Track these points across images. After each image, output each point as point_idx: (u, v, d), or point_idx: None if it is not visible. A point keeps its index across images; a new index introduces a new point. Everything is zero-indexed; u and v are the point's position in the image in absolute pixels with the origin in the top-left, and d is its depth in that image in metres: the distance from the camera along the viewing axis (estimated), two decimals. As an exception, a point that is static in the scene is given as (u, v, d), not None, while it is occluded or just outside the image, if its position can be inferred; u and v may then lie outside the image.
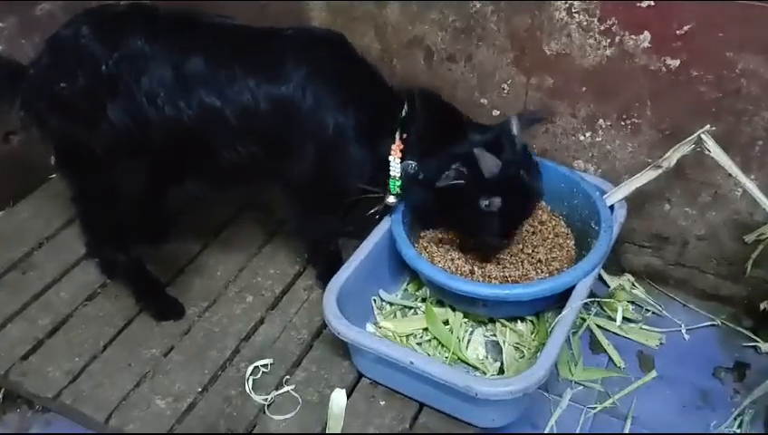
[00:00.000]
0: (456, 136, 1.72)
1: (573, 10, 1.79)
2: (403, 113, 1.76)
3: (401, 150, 1.75)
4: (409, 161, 1.73)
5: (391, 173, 1.77)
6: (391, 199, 1.84)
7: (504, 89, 2.03)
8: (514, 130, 1.71)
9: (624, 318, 2.02)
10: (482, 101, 2.09)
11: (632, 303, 2.09)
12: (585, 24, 1.80)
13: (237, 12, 2.23)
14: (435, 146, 1.72)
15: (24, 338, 1.95)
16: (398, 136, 1.75)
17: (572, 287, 1.71)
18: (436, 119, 1.76)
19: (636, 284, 2.13)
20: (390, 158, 1.76)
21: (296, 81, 1.67)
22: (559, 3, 1.80)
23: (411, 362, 1.54)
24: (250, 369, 1.83)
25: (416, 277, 2.02)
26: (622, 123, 1.92)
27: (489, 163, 1.60)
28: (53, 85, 1.66)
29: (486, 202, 1.67)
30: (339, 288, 1.74)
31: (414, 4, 2.01)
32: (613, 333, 2.01)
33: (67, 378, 1.84)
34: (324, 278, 1.99)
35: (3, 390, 1.91)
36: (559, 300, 1.77)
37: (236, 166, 1.75)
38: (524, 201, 1.77)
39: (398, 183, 1.79)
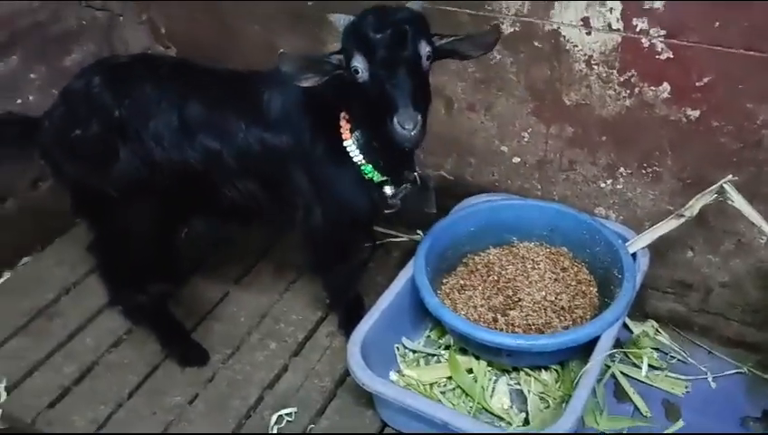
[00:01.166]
0: None
1: (593, 62, 1.82)
2: None
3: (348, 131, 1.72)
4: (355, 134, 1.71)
5: (355, 160, 1.71)
6: (387, 190, 1.78)
7: (523, 137, 2.06)
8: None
9: (649, 365, 2.01)
10: (502, 148, 2.12)
11: (656, 349, 2.08)
12: (605, 75, 1.83)
13: (256, 58, 2.32)
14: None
15: (50, 386, 1.97)
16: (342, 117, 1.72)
17: (597, 337, 1.71)
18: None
19: (660, 330, 2.12)
20: (345, 144, 1.71)
21: (274, 120, 1.73)
22: (578, 55, 1.83)
23: (444, 423, 1.53)
24: (274, 418, 1.84)
25: (438, 324, 2.03)
26: (643, 171, 1.93)
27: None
28: (68, 133, 1.74)
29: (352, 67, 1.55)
30: (362, 338, 1.75)
31: (435, 56, 2.04)
32: (638, 380, 1.99)
33: (92, 427, 1.86)
34: (346, 327, 2.01)
35: (28, 439, 1.92)
36: (583, 348, 1.76)
37: (237, 202, 1.80)
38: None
39: (367, 167, 1.73)
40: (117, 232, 1.87)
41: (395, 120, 1.47)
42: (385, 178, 1.75)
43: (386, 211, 1.83)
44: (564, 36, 1.82)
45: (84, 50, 2.59)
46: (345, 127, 1.70)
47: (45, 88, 2.44)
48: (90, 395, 1.94)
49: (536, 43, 1.87)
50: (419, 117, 1.48)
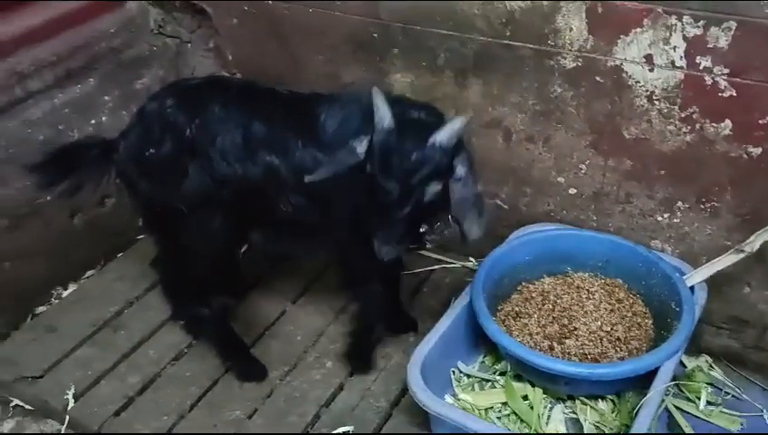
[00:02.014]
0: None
1: (654, 98, 1.87)
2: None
3: None
4: None
5: None
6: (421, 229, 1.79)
7: (580, 169, 2.10)
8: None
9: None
10: (558, 179, 2.16)
11: (710, 384, 2.07)
12: (666, 111, 1.87)
13: (320, 87, 2.39)
14: None
15: (115, 395, 2.04)
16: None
17: (656, 369, 1.72)
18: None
19: (713, 365, 2.12)
20: None
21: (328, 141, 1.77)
22: (640, 90, 1.87)
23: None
24: (334, 433, 1.88)
25: (493, 350, 2.06)
26: (701, 206, 1.95)
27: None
28: (143, 152, 1.85)
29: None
30: (422, 359, 1.79)
31: (495, 88, 2.11)
32: (692, 415, 1.98)
33: (156, 437, 1.91)
34: (351, 358, 2.09)
35: (93, 446, 1.99)
36: (640, 380, 1.78)
37: (290, 217, 1.86)
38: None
39: None
40: (183, 246, 1.95)
41: (374, 240, 1.58)
42: None
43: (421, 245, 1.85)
44: (626, 72, 1.87)
45: (153, 75, 2.71)
46: None
47: (117, 110, 2.56)
48: (153, 406, 2.01)
49: (598, 78, 1.92)
50: (394, 249, 1.59)
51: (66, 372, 2.12)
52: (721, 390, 2.06)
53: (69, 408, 2.01)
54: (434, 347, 1.85)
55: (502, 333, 1.83)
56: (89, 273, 2.61)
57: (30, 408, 2.13)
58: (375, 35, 2.22)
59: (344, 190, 1.69)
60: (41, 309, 2.47)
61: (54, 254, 2.50)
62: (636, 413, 1.65)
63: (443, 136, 1.56)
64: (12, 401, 2.14)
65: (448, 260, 2.48)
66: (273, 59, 2.50)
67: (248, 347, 2.16)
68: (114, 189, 2.56)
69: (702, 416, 1.97)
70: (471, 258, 2.46)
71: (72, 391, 2.05)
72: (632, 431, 1.58)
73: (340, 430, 1.90)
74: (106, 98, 2.55)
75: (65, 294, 2.51)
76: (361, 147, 1.59)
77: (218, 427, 1.94)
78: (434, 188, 1.58)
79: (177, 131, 1.82)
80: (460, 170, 1.62)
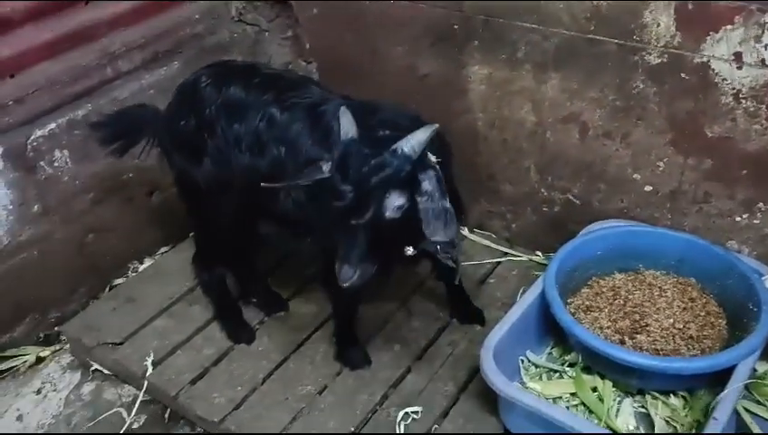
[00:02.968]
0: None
1: (741, 96, 1.85)
2: None
3: None
4: None
5: None
6: (409, 251, 1.69)
7: (658, 166, 2.10)
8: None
9: (775, 405, 1.98)
10: (635, 176, 2.16)
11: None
12: (752, 110, 1.86)
13: (397, 78, 2.45)
14: None
15: (192, 365, 2.12)
16: None
17: (731, 367, 1.71)
18: None
19: (785, 371, 2.08)
20: None
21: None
22: (726, 88, 1.86)
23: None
24: (401, 414, 1.92)
25: (560, 342, 2.07)
26: (783, 208, 1.93)
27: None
28: (177, 124, 1.95)
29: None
30: (495, 345, 1.81)
31: (575, 82, 2.12)
32: (763, 418, 1.96)
33: (230, 405, 1.98)
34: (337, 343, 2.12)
35: (169, 410, 2.07)
36: (713, 378, 1.77)
37: (292, 213, 1.88)
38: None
39: None
40: (200, 218, 2.12)
41: (336, 264, 1.52)
42: None
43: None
44: (713, 70, 1.87)
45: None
46: None
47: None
48: (227, 377, 2.08)
49: (683, 75, 1.92)
50: (357, 273, 1.50)
51: (145, 341, 2.21)
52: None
53: (148, 374, 2.10)
54: (505, 335, 1.87)
55: (576, 323, 1.84)
56: (163, 249, 2.72)
57: (108, 373, 2.24)
58: (456, 27, 2.26)
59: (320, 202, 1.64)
60: (118, 281, 2.58)
61: (133, 229, 2.61)
62: (711, 410, 1.64)
63: (406, 144, 1.49)
64: (92, 365, 2.25)
65: (515, 253, 2.49)
66: (351, 49, 2.56)
67: (242, 313, 2.27)
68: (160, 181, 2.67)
69: (773, 420, 1.94)
70: (538, 252, 2.47)
71: (152, 358, 2.13)
72: (708, 430, 1.57)
73: (409, 409, 1.93)
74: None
75: (141, 268, 2.62)
76: (327, 165, 1.55)
77: (290, 400, 2.00)
78: (395, 200, 1.50)
79: (202, 108, 1.89)
80: (426, 186, 1.52)
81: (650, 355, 1.80)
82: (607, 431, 1.74)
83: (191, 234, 2.69)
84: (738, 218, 2.03)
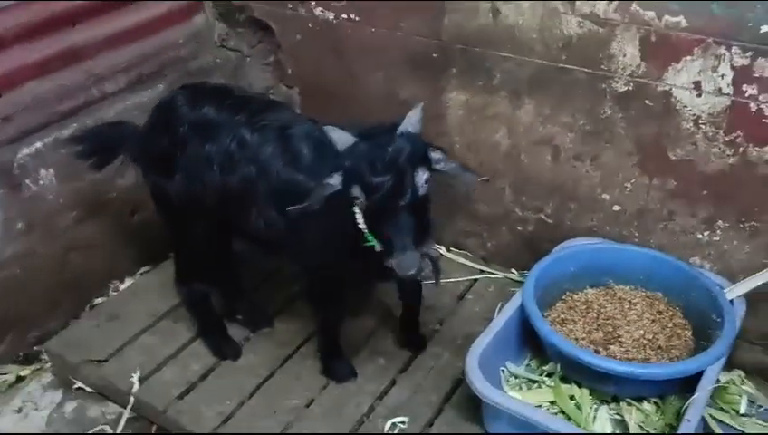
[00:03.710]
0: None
1: (701, 122, 2.01)
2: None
3: None
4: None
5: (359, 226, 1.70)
6: (393, 263, 1.63)
7: (626, 187, 2.24)
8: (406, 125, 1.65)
9: (736, 411, 2.10)
10: (604, 196, 2.29)
11: (740, 396, 2.17)
12: (711, 134, 2.01)
13: (377, 104, 2.55)
14: None
15: (179, 380, 2.15)
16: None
17: (700, 373, 1.83)
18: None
19: (745, 380, 2.22)
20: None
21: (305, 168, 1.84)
22: (687, 115, 2.02)
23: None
24: (388, 425, 1.98)
25: (538, 354, 2.16)
26: (741, 226, 2.08)
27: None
28: (151, 141, 2.02)
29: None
30: (479, 354, 1.90)
31: (547, 108, 2.26)
32: (726, 424, 2.08)
33: (219, 418, 2.02)
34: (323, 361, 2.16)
35: (155, 426, 2.09)
36: (682, 384, 1.89)
37: (263, 232, 1.94)
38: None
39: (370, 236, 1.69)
40: (177, 232, 2.15)
41: (394, 261, 1.55)
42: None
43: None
44: (675, 97, 2.02)
45: (215, 84, 2.87)
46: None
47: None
48: (215, 391, 2.11)
49: (648, 102, 2.07)
50: (419, 255, 1.56)
51: (130, 358, 2.22)
52: (753, 403, 2.16)
53: (134, 390, 2.11)
54: (488, 345, 1.96)
55: (555, 333, 1.94)
56: (143, 269, 2.73)
57: (92, 391, 2.24)
58: (434, 55, 2.38)
59: (320, 217, 1.68)
60: (99, 300, 2.58)
61: (115, 248, 2.63)
62: (683, 413, 1.75)
63: (408, 125, 1.63)
64: (75, 383, 2.25)
65: (491, 271, 2.60)
66: (333, 75, 2.66)
67: (226, 329, 2.30)
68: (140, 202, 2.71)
69: (737, 425, 2.06)
70: (513, 270, 2.58)
71: (138, 374, 2.15)
72: (681, 430, 1.68)
73: (396, 419, 1.99)
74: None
75: (122, 287, 2.63)
76: (335, 178, 1.62)
77: (278, 413, 2.04)
78: (423, 175, 1.59)
79: (176, 127, 1.95)
80: (435, 155, 1.66)
81: (627, 362, 1.91)
82: (586, 432, 1.83)
83: (172, 253, 2.76)
84: (700, 235, 2.17)
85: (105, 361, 2.22)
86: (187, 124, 1.95)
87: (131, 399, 2.11)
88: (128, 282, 2.66)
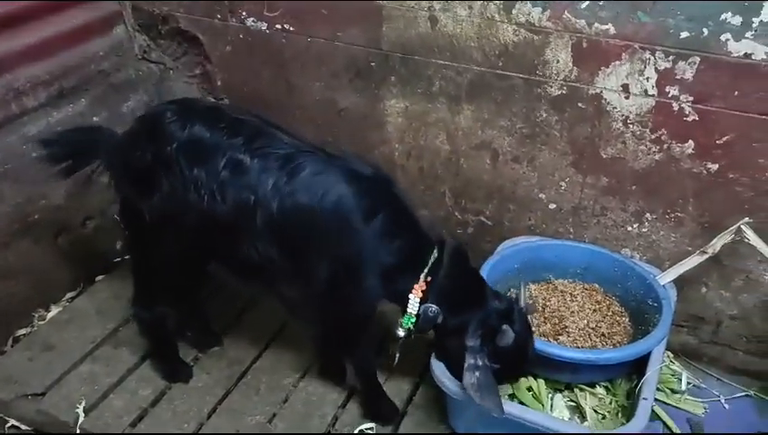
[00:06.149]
0: (478, 297, 1.88)
1: (629, 122, 2.16)
2: (432, 258, 1.85)
3: (422, 291, 1.83)
4: (430, 304, 1.82)
5: (409, 309, 1.83)
6: (400, 332, 1.87)
7: (561, 186, 2.36)
8: (522, 301, 1.94)
9: (669, 389, 2.27)
10: (540, 195, 2.41)
11: (672, 375, 2.35)
12: (638, 133, 2.17)
13: (315, 113, 2.56)
14: (457, 299, 1.85)
15: (129, 408, 2.04)
16: (422, 277, 1.83)
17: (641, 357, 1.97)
18: (463, 274, 1.91)
19: (673, 360, 2.40)
20: (411, 295, 1.82)
21: (328, 201, 1.77)
22: (617, 115, 2.17)
23: (539, 425, 1.75)
24: (356, 432, 1.97)
25: (492, 350, 2.23)
26: (667, 217, 2.25)
27: (507, 337, 1.82)
28: (132, 152, 1.87)
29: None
30: (443, 355, 1.94)
31: (486, 113, 2.35)
32: (662, 401, 2.23)
33: (179, 444, 1.93)
34: (373, 415, 2.08)
35: (108, 458, 1.97)
36: (629, 367, 2.02)
37: (254, 262, 1.83)
38: (519, 367, 1.95)
39: (413, 320, 1.84)
40: (143, 250, 2.01)
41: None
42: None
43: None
44: (605, 99, 2.16)
45: (139, 99, 2.77)
46: (419, 287, 1.82)
47: (105, 130, 2.58)
48: (170, 415, 2.02)
49: (580, 105, 2.20)
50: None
51: (71, 388, 2.09)
52: (681, 381, 2.33)
53: (80, 422, 1.98)
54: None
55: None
56: (69, 295, 2.57)
57: (27, 428, 2.07)
58: (373, 64, 2.41)
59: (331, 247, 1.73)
60: (22, 331, 2.40)
61: (39, 274, 2.46)
62: (637, 393, 1.87)
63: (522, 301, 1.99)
64: (8, 421, 2.08)
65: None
66: (267, 84, 2.63)
67: (177, 351, 2.22)
68: (96, 211, 2.59)
69: (670, 402, 2.22)
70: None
71: (83, 404, 2.02)
72: (641, 404, 1.80)
73: (364, 426, 1.99)
74: (95, 119, 2.58)
75: (49, 315, 2.46)
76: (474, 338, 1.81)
77: (240, 431, 1.98)
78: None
79: (162, 144, 1.81)
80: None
81: (584, 349, 2.01)
82: (554, 416, 1.92)
83: (100, 277, 2.62)
84: (630, 228, 2.33)
85: (43, 394, 2.07)
86: (176, 144, 1.79)
87: (77, 431, 1.97)
88: (54, 310, 2.49)
